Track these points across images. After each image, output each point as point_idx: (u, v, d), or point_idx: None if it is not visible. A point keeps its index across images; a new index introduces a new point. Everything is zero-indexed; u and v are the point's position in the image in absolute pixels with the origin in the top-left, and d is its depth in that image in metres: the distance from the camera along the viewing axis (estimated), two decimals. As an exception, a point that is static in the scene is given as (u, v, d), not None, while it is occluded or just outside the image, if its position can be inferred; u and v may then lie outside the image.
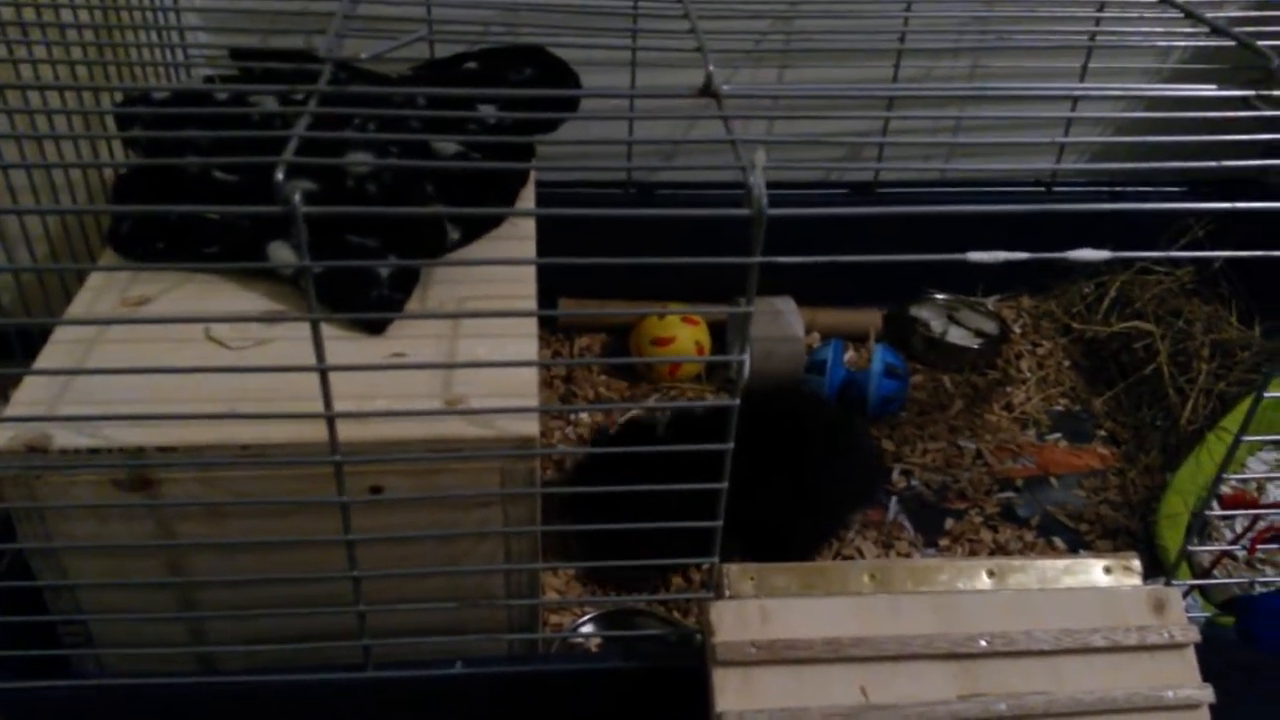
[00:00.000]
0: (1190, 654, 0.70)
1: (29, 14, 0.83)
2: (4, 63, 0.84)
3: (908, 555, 1.02)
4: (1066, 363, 1.28)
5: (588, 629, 0.92)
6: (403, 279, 0.81)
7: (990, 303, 1.35)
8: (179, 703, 0.73)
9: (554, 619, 0.93)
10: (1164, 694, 0.68)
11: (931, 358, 1.27)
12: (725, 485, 0.66)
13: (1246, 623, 0.75)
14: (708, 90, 0.64)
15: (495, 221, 0.90)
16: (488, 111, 0.90)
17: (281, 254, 0.80)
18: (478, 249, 0.88)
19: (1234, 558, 0.96)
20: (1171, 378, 1.14)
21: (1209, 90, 0.69)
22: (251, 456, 0.68)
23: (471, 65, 1.00)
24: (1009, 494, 1.10)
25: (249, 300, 0.81)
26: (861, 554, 1.01)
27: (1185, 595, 0.73)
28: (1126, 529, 1.05)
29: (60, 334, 0.77)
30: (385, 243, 0.82)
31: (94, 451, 0.67)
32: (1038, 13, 1.05)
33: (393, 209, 0.81)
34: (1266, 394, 0.69)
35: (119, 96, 0.96)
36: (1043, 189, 1.34)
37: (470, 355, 0.77)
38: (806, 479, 0.94)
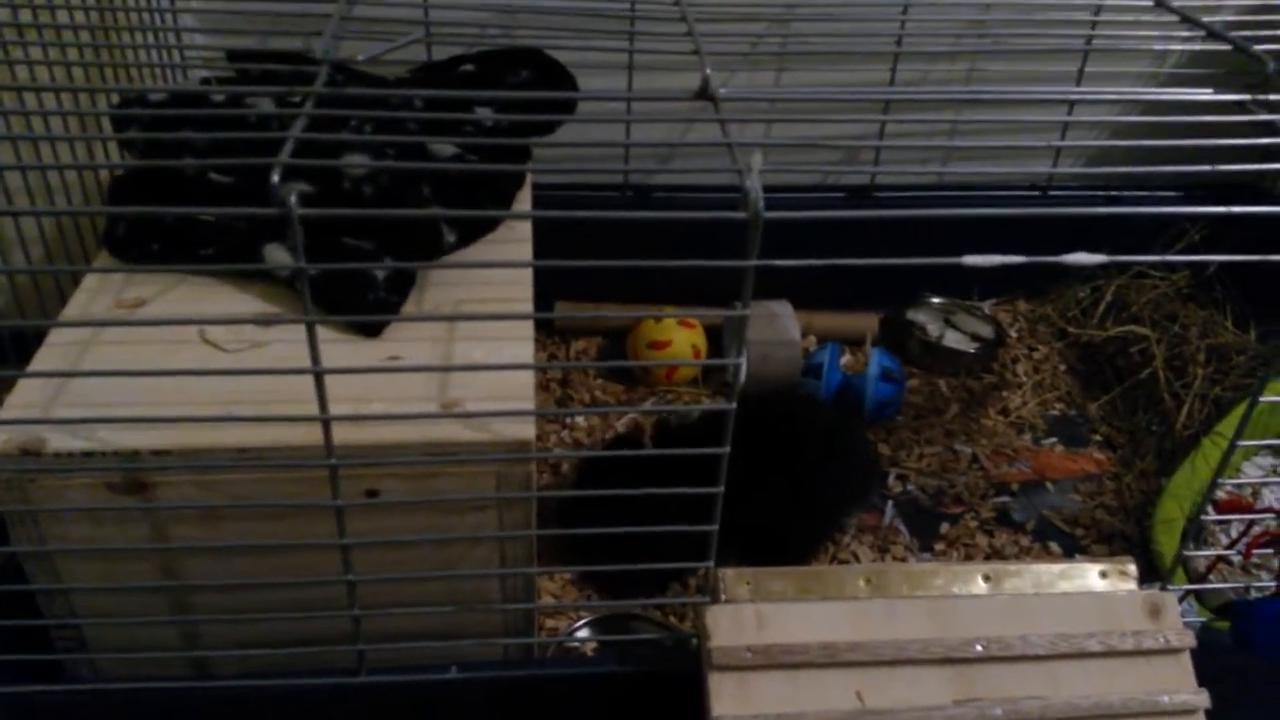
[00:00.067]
0: (1186, 659, 0.70)
1: (25, 15, 0.83)
2: (0, 64, 0.84)
3: (903, 560, 1.02)
4: (1062, 367, 1.28)
5: (583, 633, 0.91)
6: (399, 281, 0.81)
7: (986, 307, 1.36)
8: (173, 707, 0.72)
9: (549, 623, 0.93)
10: (1160, 699, 0.68)
11: (927, 362, 1.27)
12: (721, 489, 0.66)
13: (1243, 628, 0.75)
14: (704, 93, 0.64)
15: (492, 224, 0.90)
16: (484, 114, 0.90)
17: (277, 256, 0.80)
18: (474, 252, 0.88)
19: (1229, 563, 0.96)
20: (1167, 382, 1.14)
21: (1205, 94, 0.70)
22: (246, 459, 0.68)
23: (468, 67, 1.00)
24: (1005, 498, 1.10)
25: (244, 303, 0.81)
26: (857, 558, 1.01)
27: (1181, 600, 0.73)
28: (1122, 534, 1.05)
29: (55, 336, 0.77)
30: (381, 245, 0.82)
31: (88, 454, 0.67)
32: (1034, 17, 1.05)
33: (388, 211, 0.81)
34: (1261, 398, 0.70)
35: (115, 98, 0.96)
36: (1038, 193, 1.34)
37: (466, 358, 0.77)
38: (803, 482, 0.94)
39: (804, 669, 0.66)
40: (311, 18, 1.11)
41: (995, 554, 1.03)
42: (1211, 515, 0.95)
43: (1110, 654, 0.69)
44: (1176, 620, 0.70)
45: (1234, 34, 0.75)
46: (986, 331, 1.29)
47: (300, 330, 0.56)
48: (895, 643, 0.67)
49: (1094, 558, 0.91)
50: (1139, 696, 0.68)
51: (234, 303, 0.81)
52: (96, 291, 0.82)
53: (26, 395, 0.71)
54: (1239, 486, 1.03)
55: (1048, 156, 1.34)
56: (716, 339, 1.25)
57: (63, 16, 0.91)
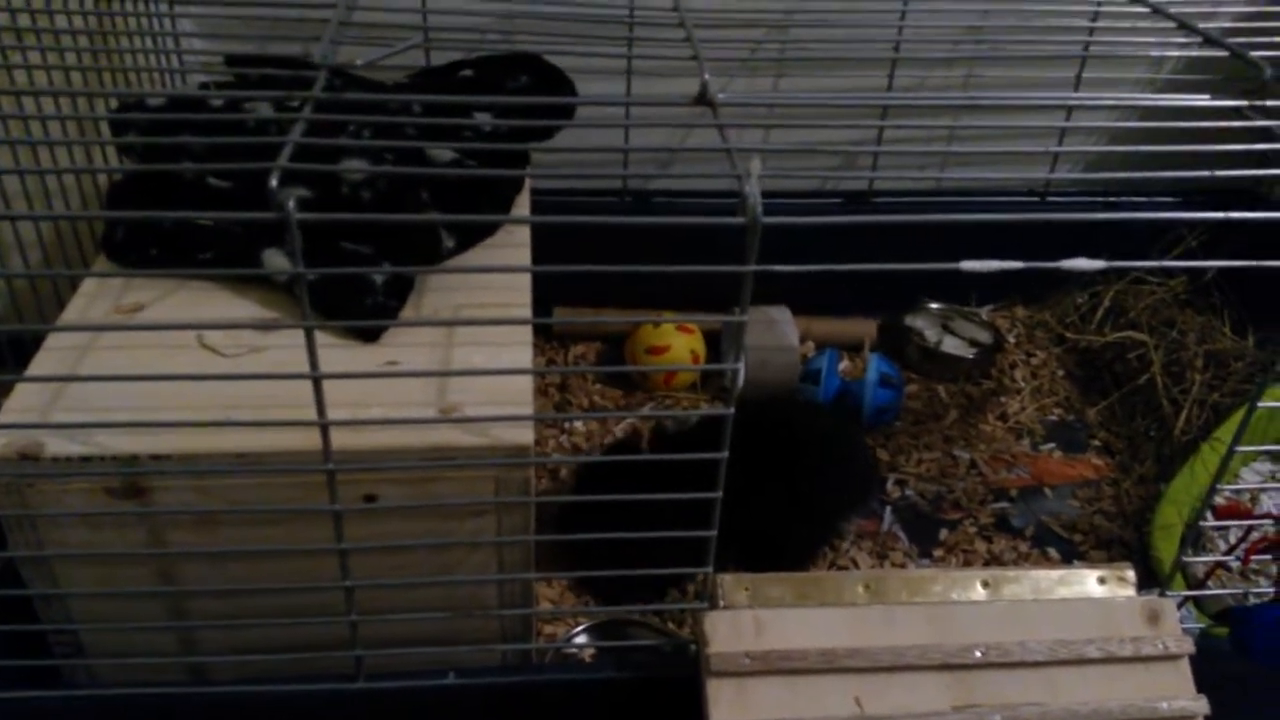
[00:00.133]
0: (1185, 665, 0.70)
1: (24, 20, 0.83)
2: (-2, 69, 0.84)
3: (902, 566, 1.02)
4: (1060, 373, 1.28)
5: (581, 639, 0.91)
6: (397, 286, 0.81)
7: (984, 313, 1.36)
8: (170, 713, 0.72)
9: (548, 629, 0.93)
10: (1158, 705, 0.68)
11: (926, 367, 1.27)
12: (719, 495, 0.66)
13: (1242, 634, 0.75)
14: (703, 99, 0.64)
15: (490, 229, 0.90)
16: (483, 119, 0.90)
17: (276, 261, 0.80)
18: (473, 257, 0.88)
19: (1228, 569, 0.96)
20: (1165, 388, 1.14)
21: (1202, 100, 0.70)
22: (244, 464, 0.68)
23: (467, 73, 1.00)
24: (1003, 504, 1.10)
25: (243, 308, 0.81)
26: (856, 564, 1.01)
27: (1180, 606, 0.73)
28: (1121, 539, 1.05)
29: (53, 341, 0.76)
30: (380, 250, 0.82)
31: (86, 459, 0.67)
32: (1031, 23, 1.05)
33: (386, 215, 0.81)
34: (1260, 404, 0.70)
35: (114, 103, 0.96)
36: (1036, 199, 1.34)
37: (465, 363, 0.76)
38: (801, 488, 0.94)
39: (802, 675, 0.66)
40: (310, 23, 1.11)
41: (994, 560, 1.03)
42: (1210, 521, 0.95)
43: (1109, 660, 0.69)
44: (1175, 626, 0.70)
45: (1231, 40, 0.76)
46: (985, 337, 1.30)
47: (299, 335, 0.56)
48: (894, 649, 0.67)
49: (1092, 564, 0.92)
50: (1138, 703, 0.68)
51: (232, 308, 0.81)
52: (95, 296, 0.81)
53: (24, 400, 0.71)
54: (1237, 492, 1.03)
55: (1045, 162, 1.35)
56: (715, 345, 1.25)
57: (61, 21, 0.91)
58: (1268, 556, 0.91)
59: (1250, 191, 1.31)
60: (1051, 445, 1.18)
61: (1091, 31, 1.10)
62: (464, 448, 0.69)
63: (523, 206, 0.97)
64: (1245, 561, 0.90)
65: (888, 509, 1.08)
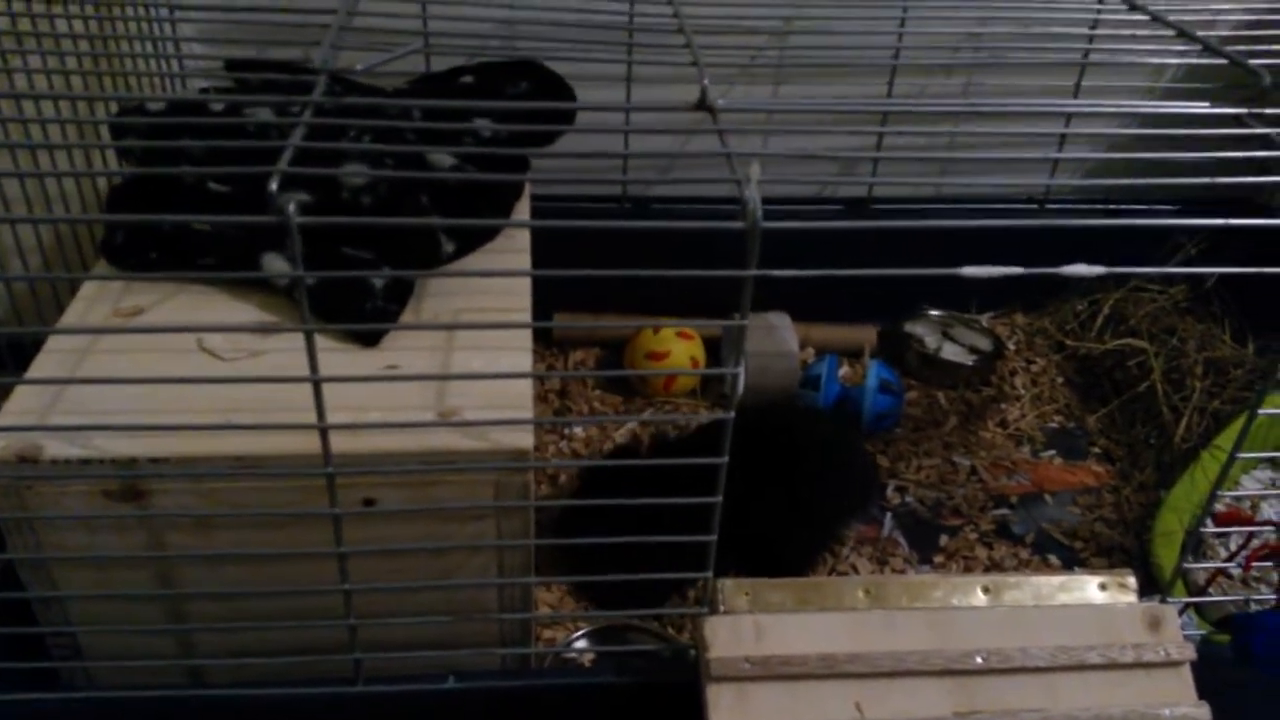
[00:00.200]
0: (1186, 671, 0.69)
1: (24, 24, 0.83)
2: (-1, 72, 0.84)
3: (902, 572, 1.01)
4: (1060, 380, 1.28)
5: (581, 644, 0.91)
6: (397, 291, 0.81)
7: (984, 319, 1.36)
8: (168, 716, 0.72)
9: (547, 634, 0.92)
10: (1160, 711, 0.68)
11: (926, 374, 1.27)
12: (719, 500, 0.66)
13: (1243, 640, 0.75)
14: (703, 105, 0.64)
15: (490, 235, 0.90)
16: (483, 124, 0.90)
17: (276, 265, 0.80)
18: (473, 262, 0.88)
19: (1229, 575, 0.96)
20: (1165, 395, 1.14)
21: (1202, 108, 0.70)
22: (243, 468, 0.68)
23: (467, 79, 1.01)
24: (1004, 511, 1.10)
25: (243, 312, 0.81)
26: (856, 570, 1.01)
27: (1181, 613, 0.72)
28: (1121, 546, 1.05)
29: (52, 344, 0.76)
30: (379, 255, 0.82)
31: (85, 462, 0.66)
32: (1030, 30, 1.06)
33: (386, 219, 0.81)
34: (1260, 411, 0.69)
35: (114, 107, 0.96)
36: (1036, 206, 1.34)
37: (464, 368, 0.76)
38: (801, 494, 0.94)
39: (802, 680, 0.66)
40: (311, 28, 1.11)
41: (994, 566, 1.03)
42: (1211, 528, 0.95)
43: (1110, 666, 0.68)
44: (1176, 633, 0.70)
45: (1230, 48, 0.76)
46: (984, 344, 1.30)
47: (298, 340, 0.56)
48: (894, 654, 0.67)
49: (1093, 570, 0.91)
50: (1139, 709, 0.67)
51: (232, 312, 0.81)
52: (94, 300, 0.81)
53: (24, 402, 0.71)
54: (1238, 499, 1.03)
55: (1045, 170, 1.35)
56: (715, 351, 1.25)
57: (62, 25, 0.91)
58: (1269, 563, 0.90)
59: (1249, 200, 1.32)
60: (1052, 452, 1.18)
61: (1091, 39, 1.11)
62: (463, 452, 0.69)
63: (523, 212, 0.97)
64: (1246, 568, 0.90)
65: (888, 515, 1.08)
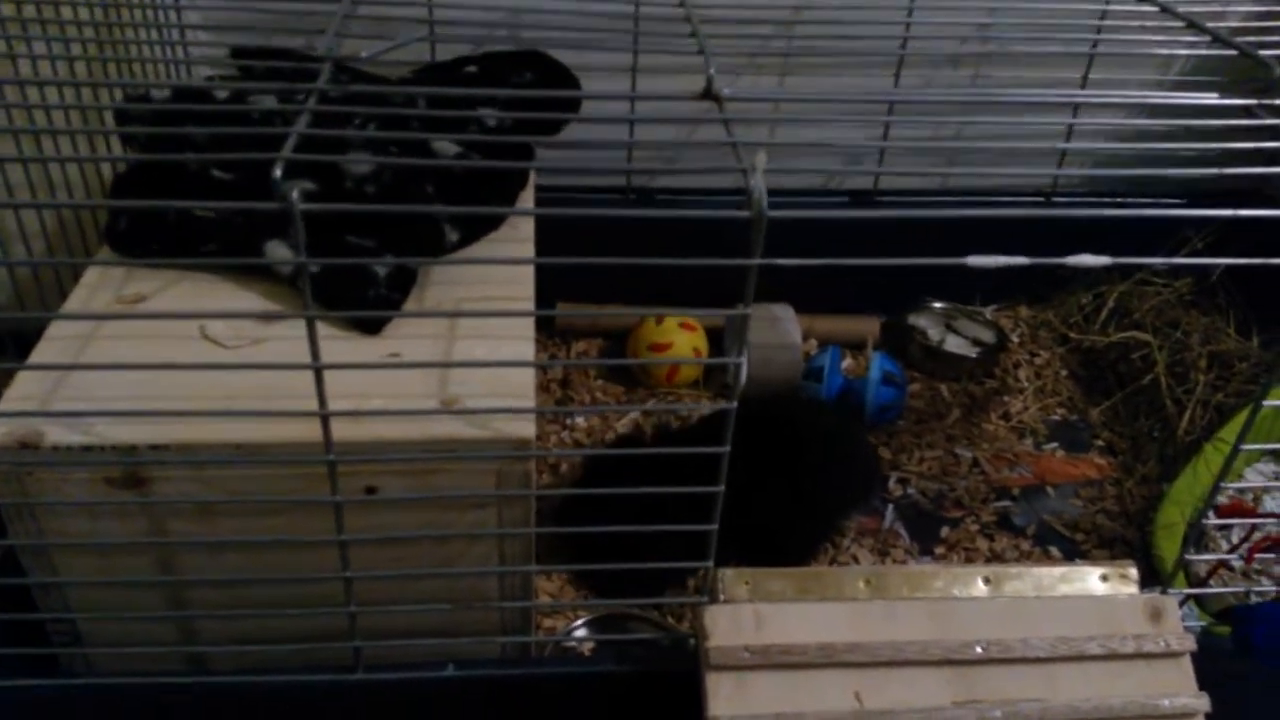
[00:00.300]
0: (1186, 663, 0.69)
1: (29, 10, 0.83)
2: (3, 58, 0.84)
3: (903, 563, 1.01)
4: (1064, 372, 1.28)
5: (581, 633, 0.91)
6: (400, 279, 0.81)
7: (988, 312, 1.35)
8: (169, 703, 0.72)
9: (547, 623, 0.93)
10: (1160, 703, 0.68)
11: (929, 366, 1.27)
12: (721, 489, 0.66)
13: (1244, 632, 0.75)
14: (709, 94, 0.64)
15: (494, 224, 0.90)
16: (488, 113, 0.90)
17: (279, 253, 0.80)
18: (476, 251, 0.88)
19: (1231, 568, 0.96)
20: (1169, 388, 1.14)
21: (1211, 99, 0.69)
22: (245, 455, 0.68)
23: (472, 69, 1.00)
24: (1005, 503, 1.09)
25: (246, 300, 0.81)
26: (857, 561, 1.01)
27: (1182, 604, 0.72)
28: (1123, 538, 1.05)
29: (55, 330, 0.76)
30: (383, 243, 0.81)
31: (87, 449, 0.67)
32: (1038, 21, 1.05)
33: (389, 206, 0.81)
34: (1265, 403, 0.69)
35: (119, 93, 0.96)
36: (1043, 199, 1.33)
37: (467, 357, 0.76)
38: (803, 484, 0.94)
39: (802, 669, 0.66)
40: (316, 16, 1.11)
41: (995, 558, 1.03)
42: (1213, 520, 0.95)
43: (1110, 657, 0.68)
44: (1177, 624, 0.70)
45: (1240, 39, 0.75)
46: (988, 336, 1.29)
47: (300, 328, 0.56)
48: (894, 644, 0.67)
49: (1095, 561, 0.91)
50: (1139, 700, 0.67)
51: (235, 300, 0.81)
52: (97, 287, 0.81)
53: (25, 388, 0.71)
54: (1240, 491, 1.02)
55: (1052, 163, 1.34)
56: (718, 343, 1.25)
57: (67, 12, 0.91)
58: (1270, 555, 0.90)
59: (1257, 193, 1.31)
60: (1054, 445, 1.18)
61: (1099, 30, 1.10)
62: (465, 440, 0.69)
63: (527, 202, 0.97)
64: (1248, 560, 0.90)
65: (889, 507, 1.08)
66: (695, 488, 0.65)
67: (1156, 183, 1.22)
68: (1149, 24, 0.87)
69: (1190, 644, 0.69)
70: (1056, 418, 1.22)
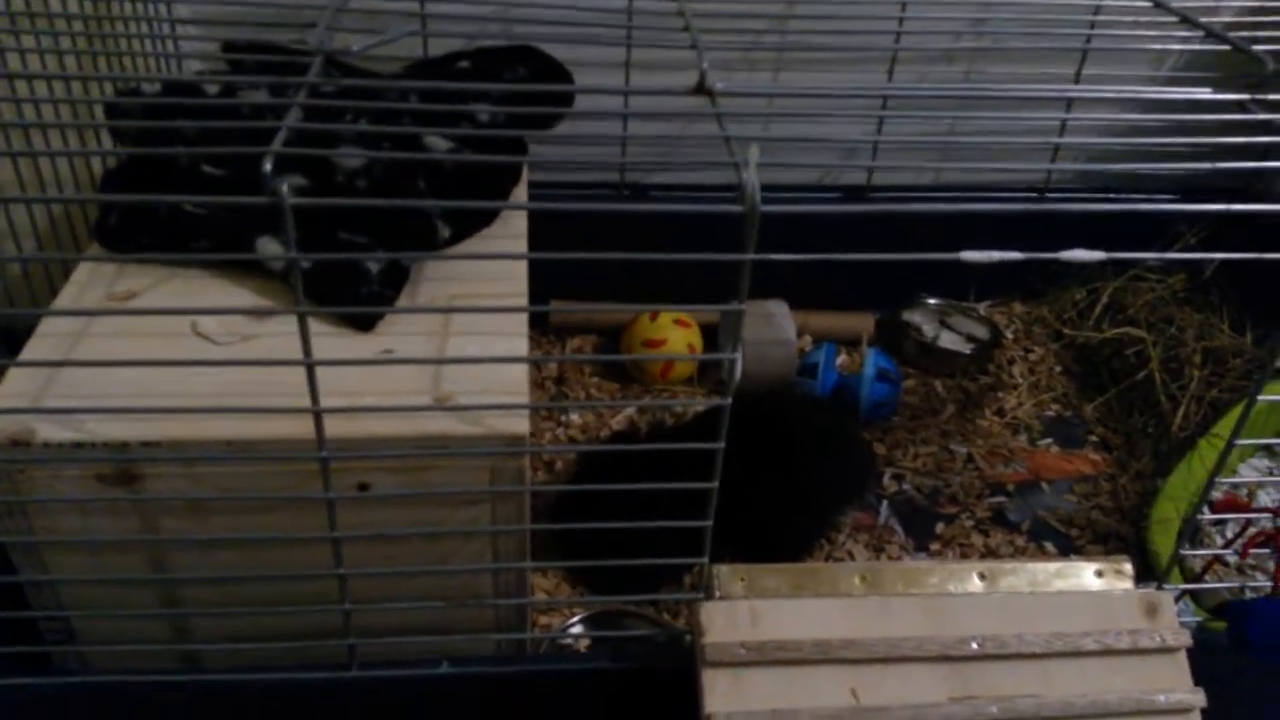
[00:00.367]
0: (1182, 658, 0.69)
1: (17, 3, 0.83)
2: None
3: (898, 559, 1.01)
4: (1058, 368, 1.28)
5: (577, 630, 0.91)
6: (393, 276, 0.80)
7: (982, 308, 1.35)
8: (162, 701, 0.72)
9: (543, 620, 0.92)
10: (1155, 698, 0.68)
11: (924, 362, 1.27)
12: (715, 485, 0.66)
13: (1239, 627, 0.75)
14: (702, 88, 0.63)
15: (487, 219, 0.89)
16: (481, 108, 0.89)
17: (271, 249, 0.79)
18: (469, 247, 0.87)
19: (1225, 563, 0.96)
20: (1163, 384, 1.14)
21: (1204, 94, 0.69)
22: (237, 452, 0.68)
23: (464, 64, 1.00)
24: (1000, 499, 1.09)
25: (237, 297, 0.80)
26: (852, 557, 1.01)
27: (1177, 600, 0.72)
28: (1117, 534, 1.05)
29: (45, 327, 0.76)
30: (375, 240, 0.81)
31: (78, 446, 0.66)
32: (1032, 16, 1.05)
33: (380, 200, 0.81)
34: (1259, 398, 0.69)
35: (109, 87, 0.95)
36: (1036, 194, 1.33)
37: (460, 353, 0.76)
38: (798, 481, 0.94)
39: (798, 665, 0.66)
40: (309, 10, 1.10)
41: (990, 554, 1.03)
42: (1207, 515, 0.95)
43: (1106, 653, 0.68)
44: (1172, 619, 0.70)
45: (1233, 34, 0.75)
46: (982, 333, 1.29)
47: (292, 325, 0.56)
48: (889, 640, 0.67)
49: (1090, 557, 0.91)
50: (1135, 695, 0.67)
51: (227, 297, 0.80)
52: (88, 284, 0.81)
53: (16, 385, 0.70)
54: (1235, 487, 1.03)
55: (1045, 158, 1.34)
56: (713, 340, 1.25)
57: (56, 5, 0.91)
58: (1265, 550, 0.90)
59: (1250, 189, 1.31)
60: (1049, 440, 1.18)
61: (1093, 25, 1.10)
62: (458, 436, 0.69)
63: (520, 198, 0.97)
64: (1243, 555, 0.90)
65: (884, 503, 1.08)
66: (690, 484, 0.65)
67: (1150, 178, 1.22)
68: (1142, 19, 0.87)
69: (1185, 639, 0.69)
70: (1051, 414, 1.22)
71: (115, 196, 0.85)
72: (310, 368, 0.57)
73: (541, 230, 0.89)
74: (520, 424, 0.70)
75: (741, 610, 0.67)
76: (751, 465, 0.90)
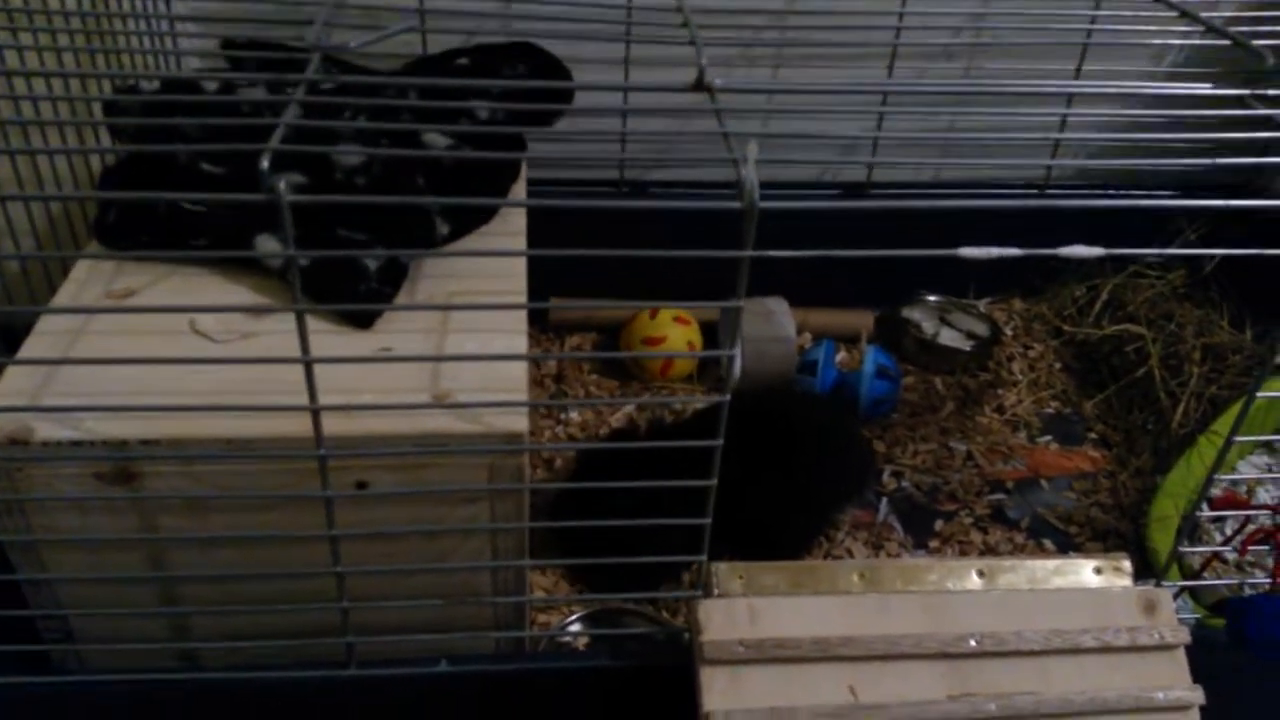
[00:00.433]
0: (1180, 655, 0.69)
1: (16, 1, 0.82)
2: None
3: (897, 556, 1.01)
4: (1058, 365, 1.28)
5: (576, 628, 0.91)
6: (391, 273, 0.80)
7: (982, 305, 1.35)
8: (160, 699, 0.72)
9: (541, 618, 0.92)
10: (1154, 695, 0.68)
11: (923, 359, 1.27)
12: (714, 483, 0.65)
13: (1237, 624, 0.75)
14: (700, 85, 0.63)
15: (486, 217, 0.89)
16: (479, 105, 0.89)
17: (269, 246, 0.79)
18: (468, 245, 0.87)
19: (1224, 560, 0.96)
20: (1163, 381, 1.14)
21: (1204, 89, 0.69)
22: (235, 450, 0.68)
23: (463, 61, 1.00)
24: (999, 496, 1.09)
25: (236, 295, 0.80)
26: (851, 555, 1.01)
27: (1176, 597, 0.72)
28: (1117, 531, 1.05)
29: (44, 325, 0.76)
30: (374, 237, 0.81)
31: (76, 444, 0.66)
32: (1032, 11, 1.05)
33: (378, 198, 0.81)
34: (1258, 396, 0.69)
35: (107, 85, 0.95)
36: (1036, 190, 1.33)
37: (459, 351, 0.76)
38: (797, 478, 0.94)
39: (796, 663, 0.66)
40: (308, 6, 1.10)
41: (989, 551, 1.03)
42: (1206, 512, 0.95)
43: (1105, 650, 0.68)
44: (1171, 616, 0.70)
45: (1233, 29, 0.75)
46: (982, 330, 1.29)
47: (291, 323, 0.56)
48: (888, 637, 0.67)
49: (1089, 554, 0.91)
50: (1133, 692, 0.67)
51: (225, 295, 0.80)
52: (86, 282, 0.81)
53: (14, 384, 0.70)
54: (1234, 484, 1.02)
55: (1045, 154, 1.34)
56: (712, 338, 1.25)
57: (55, 3, 0.90)
58: (1264, 547, 0.90)
59: (1250, 185, 1.31)
60: (1048, 438, 1.18)
61: (1093, 21, 1.10)
62: (457, 434, 0.69)
63: (519, 195, 0.96)
64: (1242, 552, 0.90)
65: (883, 500, 1.08)
66: (689, 482, 0.65)
67: (1150, 174, 1.22)
68: (1142, 14, 0.87)
69: (1184, 636, 0.69)
70: (1050, 411, 1.22)
71: (114, 194, 0.85)
72: (308, 365, 0.57)
73: (540, 227, 0.89)
74: (519, 422, 0.69)
75: (740, 608, 0.67)
76: (751, 463, 0.90)
